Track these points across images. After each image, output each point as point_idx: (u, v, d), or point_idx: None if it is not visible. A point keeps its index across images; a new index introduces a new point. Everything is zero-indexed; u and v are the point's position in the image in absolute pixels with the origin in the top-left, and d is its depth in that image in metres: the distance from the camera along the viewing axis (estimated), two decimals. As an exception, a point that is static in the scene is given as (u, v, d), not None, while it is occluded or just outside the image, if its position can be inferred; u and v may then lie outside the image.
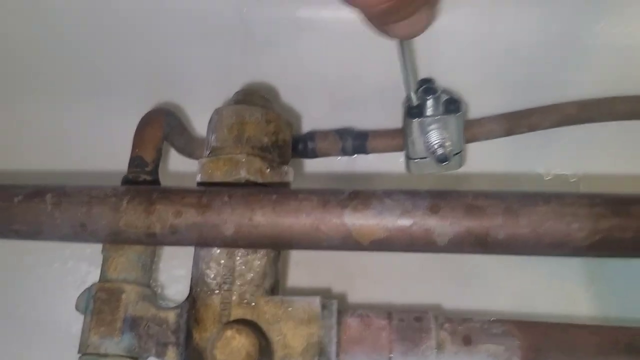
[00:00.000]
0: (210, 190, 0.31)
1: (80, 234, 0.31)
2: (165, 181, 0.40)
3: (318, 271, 0.47)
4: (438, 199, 0.29)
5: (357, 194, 0.30)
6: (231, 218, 0.30)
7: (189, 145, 0.46)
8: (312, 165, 0.51)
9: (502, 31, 0.45)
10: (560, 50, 0.45)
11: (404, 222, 0.29)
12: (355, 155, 0.48)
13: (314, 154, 0.48)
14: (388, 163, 0.50)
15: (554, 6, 0.44)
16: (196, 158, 0.47)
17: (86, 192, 0.32)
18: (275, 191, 0.30)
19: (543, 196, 0.28)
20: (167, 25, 0.46)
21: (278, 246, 0.31)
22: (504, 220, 0.28)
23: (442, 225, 0.28)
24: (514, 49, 0.45)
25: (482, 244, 0.28)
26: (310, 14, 0.45)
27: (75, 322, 0.35)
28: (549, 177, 0.51)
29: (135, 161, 0.38)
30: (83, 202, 0.31)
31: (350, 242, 0.29)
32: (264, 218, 0.30)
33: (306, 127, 0.51)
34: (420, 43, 0.46)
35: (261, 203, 0.30)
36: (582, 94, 0.46)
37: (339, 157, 0.50)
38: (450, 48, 0.46)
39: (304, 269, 0.47)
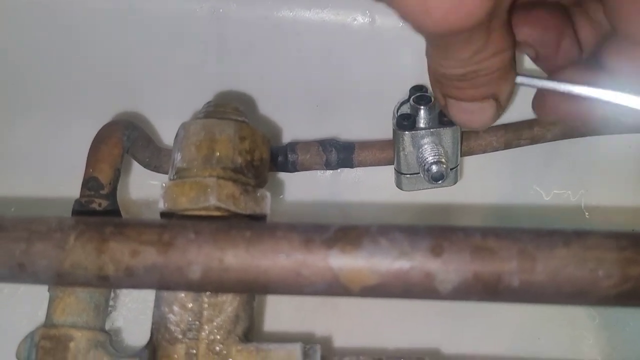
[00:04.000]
0: (173, 225, 0.26)
1: (18, 275, 0.26)
2: (125, 204, 0.36)
3: (300, 305, 0.42)
4: (441, 238, 0.25)
5: (346, 231, 0.25)
6: (198, 259, 0.25)
7: (155, 159, 0.41)
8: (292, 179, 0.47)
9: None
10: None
11: (401, 266, 0.24)
12: (340, 169, 0.44)
13: (294, 168, 0.43)
14: (376, 177, 0.46)
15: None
16: (164, 172, 0.43)
17: (25, 226, 0.27)
18: (249, 227, 0.26)
19: (562, 236, 0.24)
20: (131, 27, 0.42)
21: (252, 291, 0.27)
22: (519, 265, 0.24)
23: (445, 271, 0.24)
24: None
25: (492, 292, 0.24)
26: (292, 15, 0.41)
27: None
28: (548, 197, 0.47)
29: (89, 183, 0.33)
30: (21, 237, 0.26)
31: (337, 289, 0.25)
32: (236, 260, 0.25)
33: (288, 137, 0.46)
34: (411, 47, 0.42)
35: (233, 242, 0.25)
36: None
37: (322, 171, 0.46)
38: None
39: (284, 304, 0.42)
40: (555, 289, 0.24)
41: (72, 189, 0.36)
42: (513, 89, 0.30)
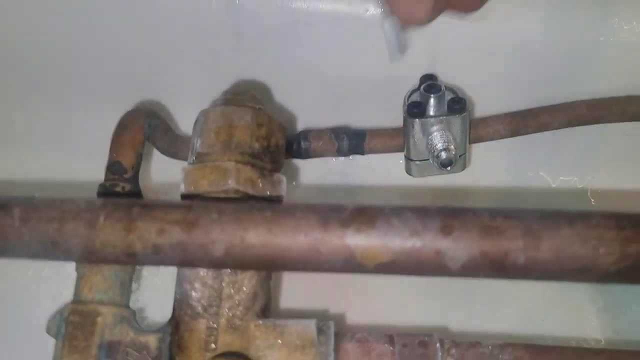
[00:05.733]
0: (197, 206, 0.28)
1: (51, 252, 0.28)
2: (144, 189, 0.37)
3: (314, 286, 0.44)
4: (450, 218, 0.26)
5: (361, 211, 0.27)
6: (221, 237, 0.27)
7: (174, 146, 0.43)
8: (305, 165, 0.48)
9: (510, 27, 0.42)
10: (570, 47, 0.42)
11: (413, 244, 0.26)
12: (352, 156, 0.45)
13: (307, 155, 0.45)
14: (386, 164, 0.47)
15: (564, 2, 0.41)
16: (182, 158, 0.44)
17: (58, 206, 0.28)
18: (270, 207, 0.27)
19: (567, 216, 0.26)
20: (150, 19, 0.43)
21: (272, 268, 0.28)
22: (524, 244, 0.25)
23: (454, 249, 0.26)
24: (523, 46, 0.42)
25: (499, 269, 0.26)
26: (306, 6, 0.42)
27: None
28: (555, 184, 0.48)
29: (113, 167, 0.35)
30: (54, 217, 0.28)
31: (353, 265, 0.26)
32: (258, 238, 0.26)
33: (301, 125, 0.48)
34: (423, 37, 0.43)
35: (254, 221, 0.27)
36: (593, 93, 0.44)
37: (334, 158, 0.47)
38: (455, 43, 0.43)
39: (299, 283, 0.44)
40: (559, 266, 0.25)
41: (95, 173, 0.37)
42: None
